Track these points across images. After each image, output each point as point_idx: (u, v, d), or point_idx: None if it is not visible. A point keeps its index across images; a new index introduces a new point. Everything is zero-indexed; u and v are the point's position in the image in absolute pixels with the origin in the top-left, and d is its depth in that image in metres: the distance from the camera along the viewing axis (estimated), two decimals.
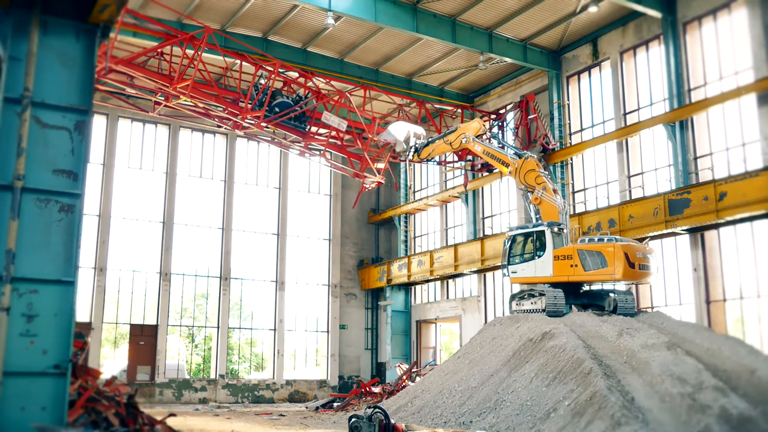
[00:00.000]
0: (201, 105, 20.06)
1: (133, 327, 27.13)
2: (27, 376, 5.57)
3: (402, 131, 20.11)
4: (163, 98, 20.42)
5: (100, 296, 25.99)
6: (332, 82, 22.52)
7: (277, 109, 19.29)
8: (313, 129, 21.10)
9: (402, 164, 31.20)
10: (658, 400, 10.97)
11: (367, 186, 22.24)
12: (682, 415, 10.42)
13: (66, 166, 5.98)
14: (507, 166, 18.36)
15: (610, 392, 10.95)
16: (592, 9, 20.82)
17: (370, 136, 20.69)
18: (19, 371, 5.54)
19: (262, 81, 20.32)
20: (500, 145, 20.24)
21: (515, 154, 18.67)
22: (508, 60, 24.31)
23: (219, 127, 22.27)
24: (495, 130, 25.43)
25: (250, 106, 19.11)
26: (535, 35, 23.67)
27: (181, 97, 19.19)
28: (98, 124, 26.62)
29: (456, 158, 25.26)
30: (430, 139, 20.26)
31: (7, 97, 5.84)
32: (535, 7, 22.03)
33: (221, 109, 19.91)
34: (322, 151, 21.02)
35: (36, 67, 5.97)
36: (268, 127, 20.29)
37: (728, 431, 9.94)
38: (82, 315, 25.36)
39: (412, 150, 20.11)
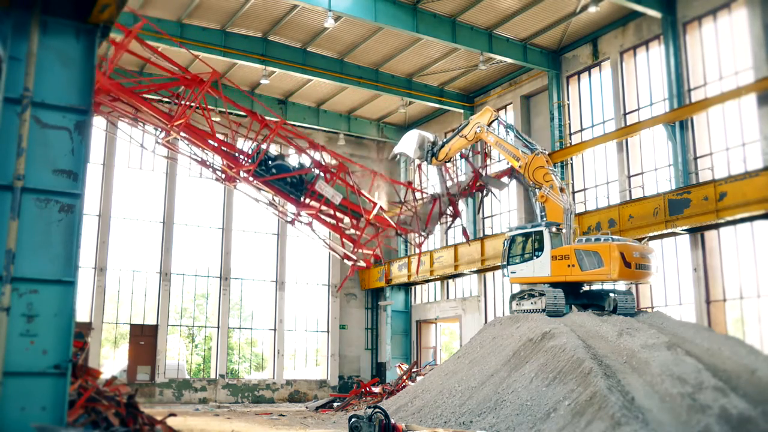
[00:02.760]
0: (197, 147, 18.35)
1: (133, 327, 27.13)
2: (27, 376, 5.56)
3: (415, 139, 19.82)
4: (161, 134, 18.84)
5: (100, 296, 25.99)
6: (333, 158, 19.35)
7: (273, 171, 17.87)
8: (307, 201, 19.29)
9: (402, 165, 31.23)
10: (658, 400, 10.97)
11: (360, 264, 19.87)
12: (682, 415, 10.42)
13: (66, 166, 5.98)
14: (517, 159, 18.20)
15: (610, 392, 10.95)
16: (592, 9, 20.82)
17: (368, 219, 18.44)
18: (19, 371, 5.53)
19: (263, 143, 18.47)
20: (512, 136, 19.77)
21: (527, 148, 18.33)
22: (508, 60, 24.31)
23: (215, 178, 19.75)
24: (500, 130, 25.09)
25: (246, 160, 17.55)
26: (535, 35, 23.68)
27: (175, 135, 17.64)
28: (98, 124, 26.59)
29: (452, 213, 22.74)
30: (444, 140, 19.94)
31: (7, 97, 5.84)
32: (535, 7, 22.04)
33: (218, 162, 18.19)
34: (309, 222, 18.65)
35: (36, 67, 5.97)
36: (259, 187, 18.32)
37: (728, 431, 9.94)
38: (82, 315, 25.35)
39: (430, 155, 19.79)
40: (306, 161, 18.25)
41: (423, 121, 30.76)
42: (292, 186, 17.77)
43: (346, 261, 19.35)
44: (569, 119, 24.08)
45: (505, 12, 22.46)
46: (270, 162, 17.73)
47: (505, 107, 26.79)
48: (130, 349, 26.89)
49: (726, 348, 12.94)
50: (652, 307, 20.42)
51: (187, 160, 19.32)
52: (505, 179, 19.85)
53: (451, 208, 19.67)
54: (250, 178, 17.52)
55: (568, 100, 24.25)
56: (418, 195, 20.24)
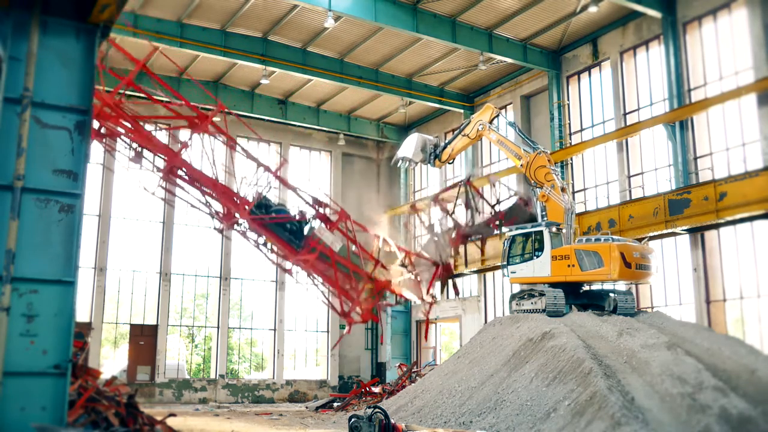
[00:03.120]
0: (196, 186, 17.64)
1: (133, 327, 27.12)
2: (27, 376, 5.57)
3: (415, 142, 19.74)
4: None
5: (100, 296, 25.98)
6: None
7: (273, 214, 17.20)
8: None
9: (402, 165, 31.05)
10: (658, 400, 10.97)
11: (356, 319, 18.95)
12: (682, 415, 10.42)
13: (66, 166, 5.98)
14: (519, 158, 18.13)
15: (610, 392, 10.95)
16: (592, 9, 20.82)
17: (367, 278, 17.55)
18: (19, 371, 5.54)
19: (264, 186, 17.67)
20: (513, 134, 19.60)
21: (528, 146, 18.18)
22: (508, 60, 24.31)
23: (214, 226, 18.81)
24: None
25: (243, 203, 16.80)
26: (535, 35, 23.67)
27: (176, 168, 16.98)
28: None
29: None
30: (446, 141, 19.83)
31: (7, 97, 5.84)
32: (535, 7, 22.03)
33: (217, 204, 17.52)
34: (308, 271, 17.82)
35: (36, 67, 5.97)
36: (257, 232, 17.49)
37: (728, 431, 9.95)
38: (82, 315, 25.34)
39: (432, 157, 19.72)
40: (308, 210, 17.70)
41: (423, 121, 30.76)
42: (292, 233, 17.29)
43: (341, 318, 18.93)
44: (569, 119, 24.08)
45: (505, 12, 22.46)
46: (269, 208, 17.34)
47: (505, 107, 26.78)
48: (130, 349, 26.88)
49: (726, 348, 12.95)
50: (652, 307, 20.41)
51: (184, 197, 18.43)
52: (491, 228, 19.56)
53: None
54: (246, 221, 17.00)
55: (568, 100, 24.25)
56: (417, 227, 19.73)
